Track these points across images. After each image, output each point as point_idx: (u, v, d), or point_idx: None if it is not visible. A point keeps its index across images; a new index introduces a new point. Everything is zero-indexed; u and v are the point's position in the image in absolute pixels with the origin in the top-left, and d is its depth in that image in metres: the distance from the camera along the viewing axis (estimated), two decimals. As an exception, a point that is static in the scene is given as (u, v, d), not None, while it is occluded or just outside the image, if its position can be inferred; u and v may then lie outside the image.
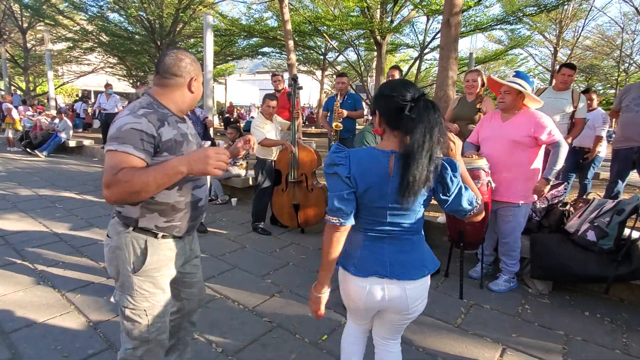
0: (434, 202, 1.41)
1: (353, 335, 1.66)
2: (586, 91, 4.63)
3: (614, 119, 4.50)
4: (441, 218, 3.78)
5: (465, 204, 1.34)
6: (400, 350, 1.62)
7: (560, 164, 2.79)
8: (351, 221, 1.34)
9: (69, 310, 2.59)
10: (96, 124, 12.93)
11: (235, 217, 4.91)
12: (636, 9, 12.92)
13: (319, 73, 21.75)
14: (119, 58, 16.90)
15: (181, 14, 13.28)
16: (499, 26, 9.41)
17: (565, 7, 13.66)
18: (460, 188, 1.33)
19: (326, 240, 1.36)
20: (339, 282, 1.51)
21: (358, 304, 1.46)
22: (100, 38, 15.19)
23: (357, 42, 12.86)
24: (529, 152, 2.84)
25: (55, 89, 17.81)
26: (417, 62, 11.23)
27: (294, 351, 2.27)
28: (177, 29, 14.68)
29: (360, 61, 13.00)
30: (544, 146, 2.87)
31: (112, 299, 1.59)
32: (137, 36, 15.15)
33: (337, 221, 1.32)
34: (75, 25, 14.88)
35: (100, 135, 10.85)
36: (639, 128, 3.58)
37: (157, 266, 1.49)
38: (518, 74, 2.91)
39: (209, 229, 4.36)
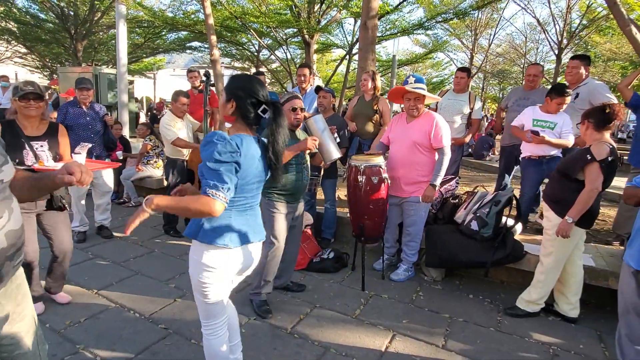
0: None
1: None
2: (560, 92, 3.31)
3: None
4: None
5: None
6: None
7: (443, 170, 3.06)
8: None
9: None
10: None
11: (148, 220, 4.62)
12: (538, 20, 14.44)
13: (253, 71, 21.45)
14: (27, 47, 15.18)
15: (97, 3, 12.28)
16: (418, 30, 9.98)
17: (479, 15, 14.89)
18: None
19: None
20: None
21: None
22: (9, 25, 13.52)
23: (290, 41, 12.84)
24: (428, 154, 3.09)
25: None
26: (347, 62, 11.49)
27: (187, 356, 2.22)
28: (95, 19, 13.56)
29: (293, 60, 13.00)
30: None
31: None
32: (49, 24, 13.71)
33: None
34: (-25, 9, 13.08)
35: None
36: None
37: None
38: (418, 79, 3.10)
39: (115, 233, 4.08)
